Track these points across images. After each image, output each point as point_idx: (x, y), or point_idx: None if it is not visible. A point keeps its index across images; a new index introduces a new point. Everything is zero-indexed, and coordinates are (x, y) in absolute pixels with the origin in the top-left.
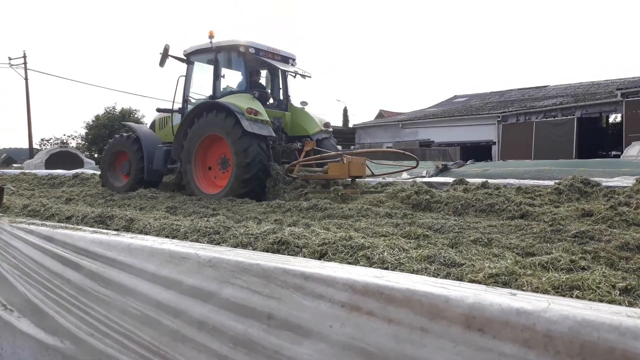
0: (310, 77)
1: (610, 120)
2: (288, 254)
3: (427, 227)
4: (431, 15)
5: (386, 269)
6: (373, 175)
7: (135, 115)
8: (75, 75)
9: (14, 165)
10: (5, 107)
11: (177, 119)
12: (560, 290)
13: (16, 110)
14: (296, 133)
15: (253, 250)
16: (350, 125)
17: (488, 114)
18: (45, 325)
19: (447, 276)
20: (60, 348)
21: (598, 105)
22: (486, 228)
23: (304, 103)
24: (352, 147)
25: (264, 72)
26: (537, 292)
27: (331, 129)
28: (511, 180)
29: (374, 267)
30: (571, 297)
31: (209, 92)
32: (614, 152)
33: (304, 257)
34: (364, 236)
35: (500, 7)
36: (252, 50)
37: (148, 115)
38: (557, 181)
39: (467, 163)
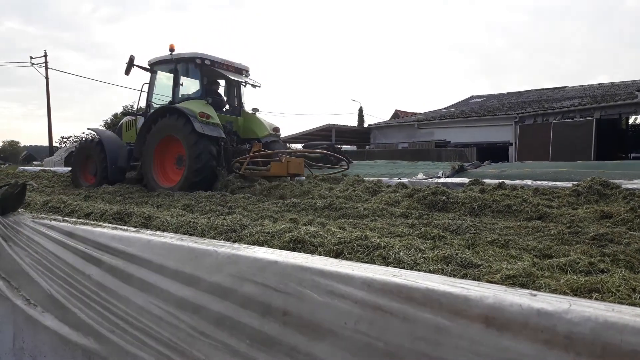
0: (259, 86)
1: (630, 121)
2: (304, 253)
3: (443, 227)
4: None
5: (402, 269)
6: (312, 174)
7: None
8: (95, 75)
9: (34, 162)
10: (26, 105)
11: (141, 121)
12: (579, 292)
13: (36, 108)
14: (247, 136)
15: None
16: (366, 125)
17: (505, 114)
18: (67, 320)
19: (463, 277)
20: (81, 343)
21: (618, 106)
22: (503, 229)
23: (255, 109)
24: (367, 147)
25: (222, 82)
26: (555, 294)
27: (279, 133)
28: (528, 182)
29: (390, 267)
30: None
31: (169, 98)
32: (633, 154)
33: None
34: (379, 236)
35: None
36: (207, 62)
37: None
38: (575, 183)
39: (484, 164)
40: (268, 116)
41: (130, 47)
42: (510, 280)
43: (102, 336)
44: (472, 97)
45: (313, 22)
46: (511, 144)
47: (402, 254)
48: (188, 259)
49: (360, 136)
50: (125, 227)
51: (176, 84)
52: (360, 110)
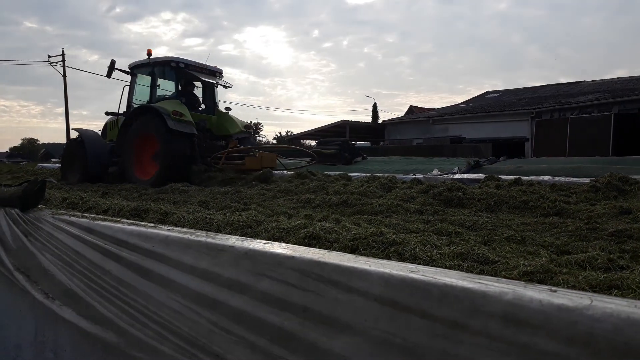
0: (230, 87)
1: None
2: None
3: (459, 224)
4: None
5: (418, 265)
6: (285, 168)
7: None
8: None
9: (52, 159)
10: (44, 103)
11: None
12: (598, 289)
13: (54, 106)
14: (220, 132)
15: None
16: (380, 121)
17: (521, 110)
18: (87, 314)
19: (480, 273)
20: (101, 337)
21: (637, 100)
22: (519, 225)
23: (228, 109)
24: (381, 143)
25: (199, 83)
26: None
27: (251, 130)
28: (545, 178)
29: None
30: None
31: (148, 98)
32: None
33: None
34: (395, 232)
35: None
36: (181, 65)
37: None
38: (593, 178)
39: (500, 160)
40: (281, 113)
41: (146, 44)
42: (528, 277)
43: (121, 330)
44: (488, 92)
45: (327, 16)
46: (527, 140)
47: (417, 250)
48: (205, 254)
49: (374, 132)
50: (143, 223)
51: (153, 86)
52: (375, 107)
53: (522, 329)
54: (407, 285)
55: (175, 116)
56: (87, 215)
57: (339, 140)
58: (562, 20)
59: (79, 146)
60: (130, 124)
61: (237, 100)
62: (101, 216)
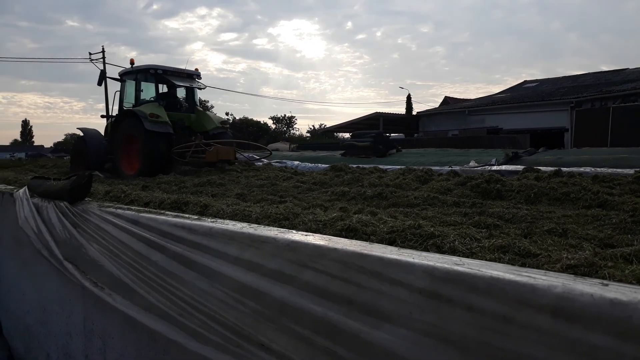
0: (203, 88)
1: None
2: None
3: (498, 216)
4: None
5: (463, 258)
6: (237, 160)
7: (205, 106)
8: None
9: None
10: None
11: None
12: None
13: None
14: (199, 129)
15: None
16: (414, 113)
17: (560, 99)
18: (134, 304)
19: (522, 267)
20: (148, 325)
21: None
22: (561, 218)
23: (205, 107)
24: (415, 135)
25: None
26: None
27: (227, 125)
28: (587, 169)
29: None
30: None
31: (134, 102)
32: None
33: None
34: (433, 225)
35: None
36: (160, 72)
37: (217, 106)
38: (638, 169)
39: (539, 151)
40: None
41: (182, 40)
42: (572, 270)
43: (168, 320)
44: (526, 82)
45: (361, 7)
46: (567, 130)
47: (457, 243)
48: (248, 245)
49: (408, 124)
50: (187, 215)
51: (137, 90)
52: (409, 98)
53: (573, 323)
54: (451, 278)
55: (152, 118)
56: (133, 207)
57: (373, 133)
58: (604, 5)
59: (83, 143)
60: (117, 125)
61: (271, 94)
62: (146, 209)
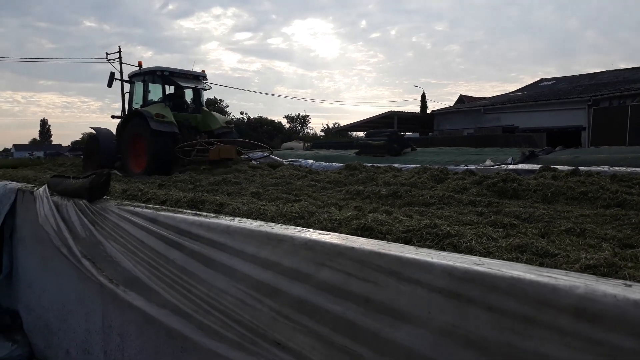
0: (209, 89)
1: None
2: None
3: (515, 216)
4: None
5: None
6: (241, 158)
7: (220, 105)
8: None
9: None
10: (102, 99)
11: None
12: None
13: (112, 102)
14: (204, 129)
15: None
16: (429, 111)
17: (577, 97)
18: (152, 301)
19: (541, 267)
20: (165, 323)
21: None
22: (578, 217)
23: (210, 108)
24: (430, 134)
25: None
26: None
27: (232, 125)
28: (605, 168)
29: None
30: None
31: (142, 103)
32: None
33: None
34: (449, 224)
35: None
36: (166, 73)
37: (232, 105)
38: None
39: (556, 149)
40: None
41: (197, 40)
42: (591, 271)
43: (185, 317)
44: (542, 80)
45: (375, 6)
46: (584, 129)
47: (473, 242)
48: (265, 243)
49: (423, 123)
50: (204, 213)
51: (145, 92)
52: (423, 97)
53: (596, 325)
54: (471, 278)
55: (157, 118)
56: (151, 206)
57: (388, 131)
58: (622, 1)
59: (96, 142)
60: (126, 125)
61: (285, 93)
62: (164, 207)
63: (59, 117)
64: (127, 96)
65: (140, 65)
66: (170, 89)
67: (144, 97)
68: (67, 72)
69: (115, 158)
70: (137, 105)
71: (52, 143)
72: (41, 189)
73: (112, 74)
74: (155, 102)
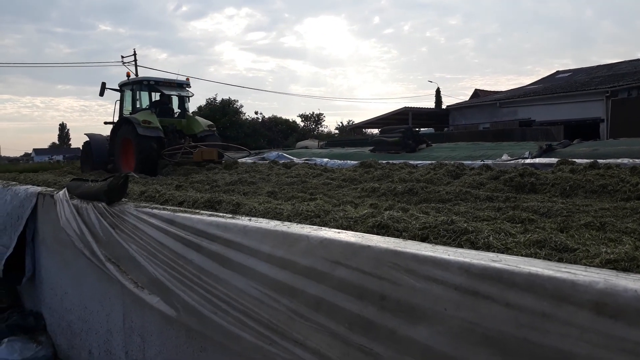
0: (191, 95)
1: None
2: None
3: (533, 210)
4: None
5: (499, 254)
6: (221, 160)
7: (235, 105)
8: (179, 70)
9: None
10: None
11: None
12: None
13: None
14: (189, 132)
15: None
16: (444, 106)
17: (595, 89)
18: (171, 302)
19: (560, 262)
20: (185, 323)
21: None
22: (598, 211)
23: (195, 113)
24: (445, 129)
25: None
26: None
27: (214, 129)
28: (625, 160)
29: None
30: None
31: (131, 110)
32: None
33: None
34: (466, 220)
35: None
36: (152, 82)
37: (247, 105)
38: None
39: (574, 142)
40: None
41: (211, 40)
42: (612, 265)
43: (204, 317)
44: (558, 72)
45: (388, 2)
46: (602, 121)
47: (491, 238)
48: (282, 243)
49: (438, 118)
50: (221, 214)
51: (134, 100)
52: (438, 92)
53: (617, 320)
54: (488, 275)
55: (144, 124)
56: (168, 207)
57: (402, 128)
58: None
59: (87, 147)
60: (117, 130)
61: (299, 91)
62: (181, 208)
63: (77, 121)
64: (117, 104)
65: (128, 75)
66: (156, 96)
67: (132, 105)
68: (84, 76)
69: (107, 160)
70: (127, 112)
71: (71, 147)
72: (61, 192)
73: (104, 83)
74: (143, 109)
